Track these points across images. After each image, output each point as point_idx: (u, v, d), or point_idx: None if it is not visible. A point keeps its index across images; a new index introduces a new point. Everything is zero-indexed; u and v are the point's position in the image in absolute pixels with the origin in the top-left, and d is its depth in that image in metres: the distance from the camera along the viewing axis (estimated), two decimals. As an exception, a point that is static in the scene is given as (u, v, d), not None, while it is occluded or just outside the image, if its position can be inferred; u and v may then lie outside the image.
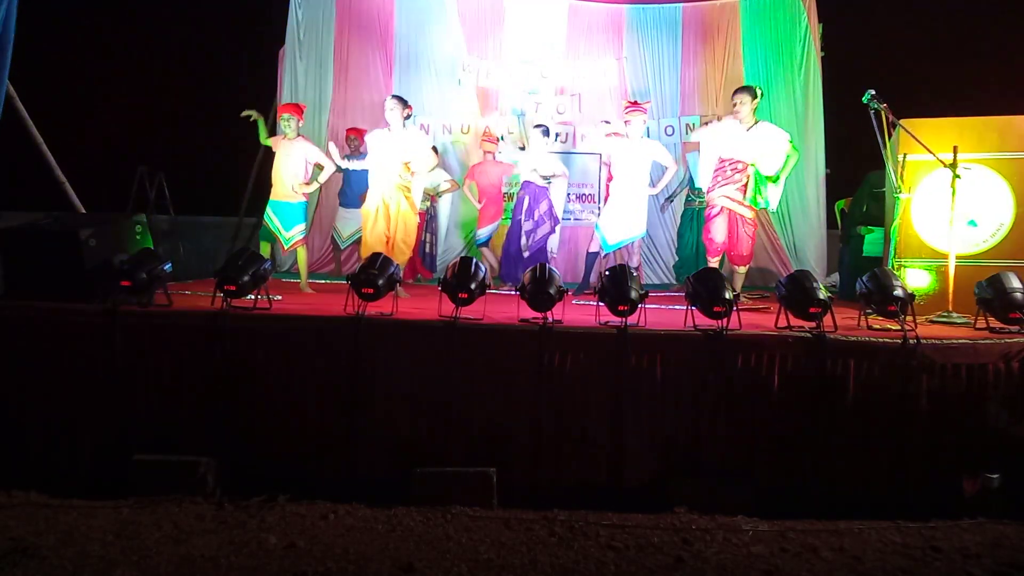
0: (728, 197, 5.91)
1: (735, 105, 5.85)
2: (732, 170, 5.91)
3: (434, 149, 7.00)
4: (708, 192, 6.12)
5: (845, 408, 3.90)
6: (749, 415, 3.93)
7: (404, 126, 5.90)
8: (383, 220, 5.79)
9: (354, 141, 7.70)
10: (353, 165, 6.42)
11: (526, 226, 7.00)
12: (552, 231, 7.12)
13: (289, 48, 8.81)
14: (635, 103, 6.42)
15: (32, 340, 4.07)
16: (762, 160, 5.81)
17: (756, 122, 5.85)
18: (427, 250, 7.99)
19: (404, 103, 5.95)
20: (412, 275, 7.56)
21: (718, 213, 5.97)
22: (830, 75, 8.33)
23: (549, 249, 7.17)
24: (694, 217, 7.38)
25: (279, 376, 4.03)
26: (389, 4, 8.85)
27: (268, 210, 6.07)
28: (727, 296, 3.94)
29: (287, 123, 6.01)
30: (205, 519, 3.55)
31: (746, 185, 5.87)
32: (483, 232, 7.61)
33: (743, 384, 3.94)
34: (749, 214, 5.92)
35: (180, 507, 3.65)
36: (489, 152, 7.68)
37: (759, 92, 5.89)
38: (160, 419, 4.02)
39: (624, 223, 6.36)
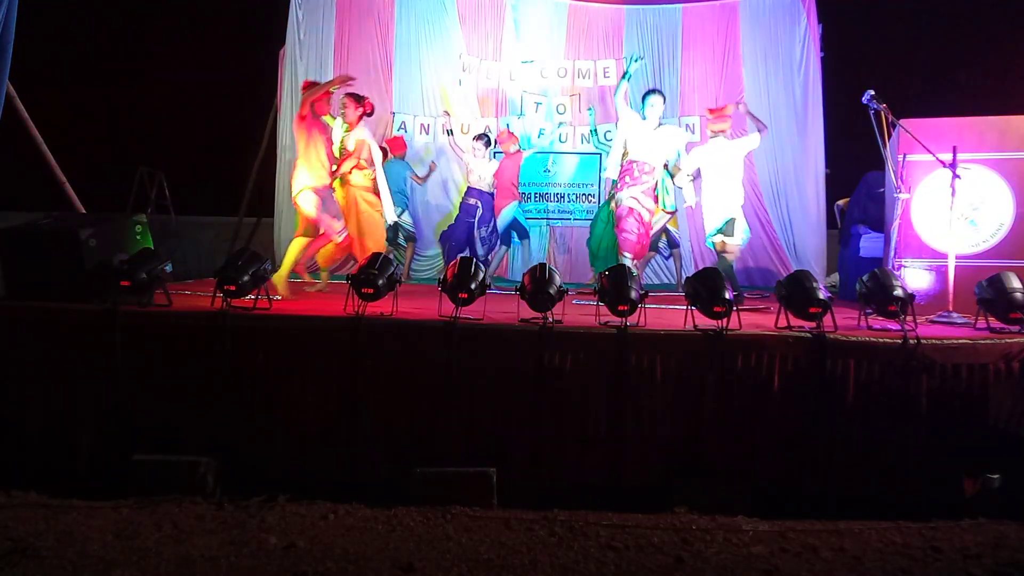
0: (634, 198, 6.13)
1: (652, 107, 6.07)
2: (640, 171, 6.14)
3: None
4: (617, 192, 6.26)
5: (845, 408, 3.90)
6: (749, 415, 3.93)
7: (361, 124, 6.01)
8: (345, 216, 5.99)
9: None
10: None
11: (481, 232, 7.45)
12: (495, 248, 7.65)
13: (289, 48, 8.80)
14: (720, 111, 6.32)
15: (32, 340, 4.07)
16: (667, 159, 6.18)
17: (659, 124, 6.18)
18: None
19: (358, 100, 6.00)
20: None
21: (628, 213, 6.15)
22: (830, 75, 8.33)
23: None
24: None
25: (279, 376, 4.03)
26: (389, 4, 8.85)
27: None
28: (727, 296, 3.94)
29: None
30: (205, 519, 3.55)
31: (655, 188, 6.23)
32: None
33: (743, 384, 3.93)
34: (647, 216, 6.20)
35: (180, 507, 3.65)
36: (508, 152, 7.66)
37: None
38: (160, 419, 4.02)
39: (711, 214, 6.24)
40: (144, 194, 8.91)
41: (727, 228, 5.99)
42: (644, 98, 6.17)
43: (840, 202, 7.62)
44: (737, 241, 6.06)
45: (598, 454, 3.95)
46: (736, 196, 6.07)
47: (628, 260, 6.07)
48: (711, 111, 6.43)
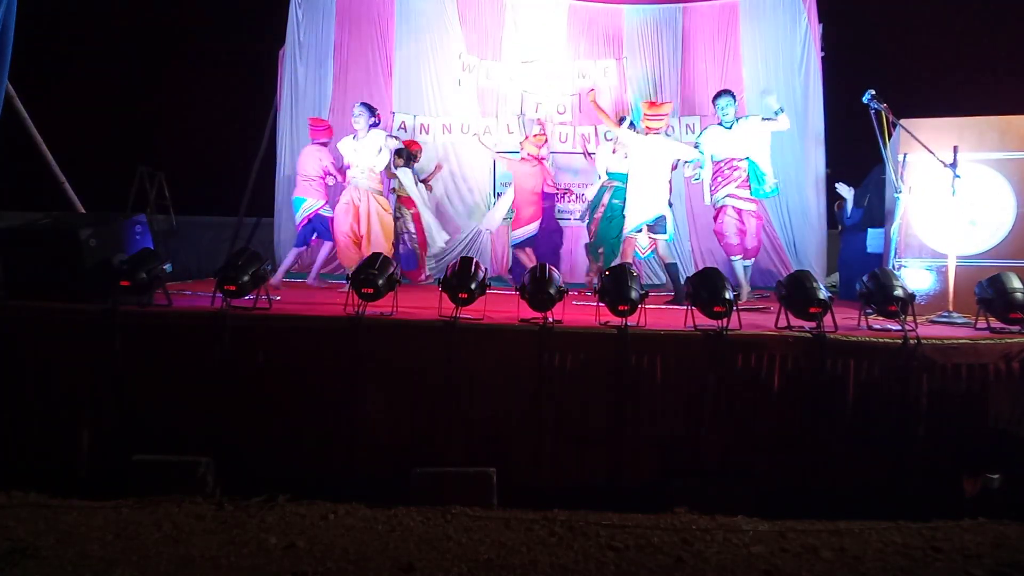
0: (732, 195, 6.27)
1: (723, 109, 6.29)
2: (729, 168, 6.28)
3: (399, 153, 7.36)
4: (712, 195, 6.42)
5: (845, 408, 3.90)
6: (749, 415, 3.93)
7: (367, 132, 6.57)
8: (350, 218, 6.53)
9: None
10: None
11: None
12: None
13: (289, 48, 8.81)
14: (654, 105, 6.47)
15: (32, 340, 4.07)
16: (754, 151, 6.25)
17: (736, 120, 6.31)
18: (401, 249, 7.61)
19: (371, 111, 6.63)
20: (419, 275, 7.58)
21: (724, 212, 6.31)
22: (830, 75, 8.33)
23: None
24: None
25: (279, 376, 4.03)
26: (389, 4, 8.85)
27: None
28: (727, 296, 3.94)
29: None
30: (205, 519, 3.55)
31: (747, 180, 6.26)
32: (520, 233, 7.48)
33: (743, 384, 3.94)
34: (752, 206, 6.32)
35: (180, 507, 3.65)
36: (533, 155, 7.49)
37: (735, 95, 6.46)
38: (160, 419, 4.02)
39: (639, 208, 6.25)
40: (144, 194, 8.93)
41: (657, 224, 6.07)
42: (715, 101, 6.38)
43: (840, 200, 7.61)
44: (665, 237, 6.15)
45: (598, 454, 3.95)
46: (663, 194, 6.10)
47: (739, 262, 6.30)
48: (650, 104, 6.45)
